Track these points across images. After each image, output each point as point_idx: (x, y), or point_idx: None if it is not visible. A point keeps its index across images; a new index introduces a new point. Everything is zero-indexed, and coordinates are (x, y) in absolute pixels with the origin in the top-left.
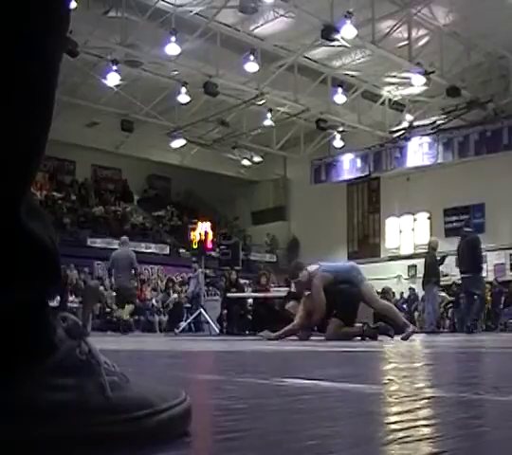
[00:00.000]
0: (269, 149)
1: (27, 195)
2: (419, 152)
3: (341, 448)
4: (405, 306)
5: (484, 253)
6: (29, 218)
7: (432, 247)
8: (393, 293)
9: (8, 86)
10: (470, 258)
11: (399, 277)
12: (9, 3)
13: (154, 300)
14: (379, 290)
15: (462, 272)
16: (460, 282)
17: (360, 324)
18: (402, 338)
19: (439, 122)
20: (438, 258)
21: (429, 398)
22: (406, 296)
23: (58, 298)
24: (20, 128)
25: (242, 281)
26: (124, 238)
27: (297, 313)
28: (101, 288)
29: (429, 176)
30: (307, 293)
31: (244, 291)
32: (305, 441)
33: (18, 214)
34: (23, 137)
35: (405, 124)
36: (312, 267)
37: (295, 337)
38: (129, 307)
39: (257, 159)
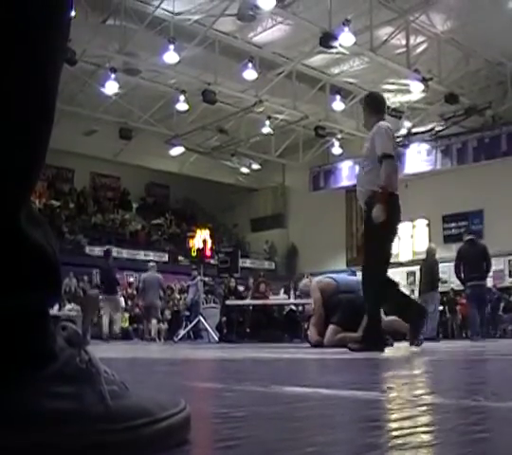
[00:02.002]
0: (268, 156)
1: (27, 204)
2: (417, 158)
3: None
4: None
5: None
6: (30, 226)
7: (433, 254)
8: None
9: (8, 95)
10: (485, 265)
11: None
12: (9, 10)
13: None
14: None
15: (475, 279)
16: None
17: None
18: (416, 345)
19: (437, 129)
20: None
21: (428, 405)
22: None
23: (57, 306)
24: (20, 137)
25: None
26: (152, 264)
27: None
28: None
29: (427, 183)
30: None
31: (242, 298)
32: (305, 448)
33: (18, 222)
34: (23, 146)
35: (403, 131)
36: (316, 278)
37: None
38: (154, 322)
39: (255, 167)
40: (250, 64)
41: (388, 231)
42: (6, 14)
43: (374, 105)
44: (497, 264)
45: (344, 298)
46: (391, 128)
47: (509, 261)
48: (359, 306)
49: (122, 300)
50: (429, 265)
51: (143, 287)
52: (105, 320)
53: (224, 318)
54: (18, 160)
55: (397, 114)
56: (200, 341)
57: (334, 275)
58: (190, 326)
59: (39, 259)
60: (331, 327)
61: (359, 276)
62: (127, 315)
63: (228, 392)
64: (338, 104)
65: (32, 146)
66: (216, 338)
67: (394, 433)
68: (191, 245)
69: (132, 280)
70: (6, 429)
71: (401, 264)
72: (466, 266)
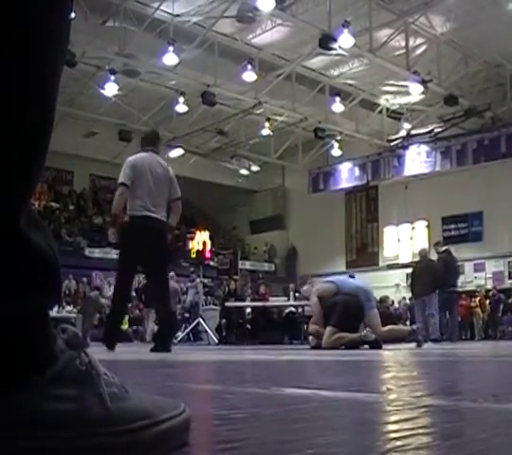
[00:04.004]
0: (267, 158)
1: (27, 205)
2: (417, 160)
3: None
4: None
5: (483, 261)
6: (29, 228)
7: (425, 255)
8: (393, 301)
9: (8, 96)
10: (457, 273)
11: (398, 285)
12: (10, 10)
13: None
14: (377, 298)
15: (453, 286)
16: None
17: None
18: (418, 346)
19: (437, 131)
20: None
21: (427, 407)
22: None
23: (56, 308)
24: (21, 138)
25: None
26: (171, 274)
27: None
28: (103, 301)
29: (427, 185)
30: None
31: (242, 300)
32: (305, 450)
33: (19, 224)
34: (24, 147)
35: (403, 133)
36: (319, 282)
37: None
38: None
39: (255, 168)
40: (250, 66)
41: (121, 251)
42: (7, 15)
43: (142, 141)
44: (496, 266)
45: (340, 299)
46: (137, 158)
47: (509, 262)
48: (355, 307)
49: None
50: (427, 267)
51: None
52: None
53: (223, 320)
54: (19, 161)
55: (397, 115)
56: (200, 343)
57: (334, 278)
58: (189, 328)
59: (39, 261)
60: (328, 329)
61: (358, 280)
62: (127, 317)
63: (228, 394)
64: (337, 106)
65: (33, 147)
66: (216, 340)
67: (394, 435)
68: (190, 247)
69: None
70: (6, 432)
71: (400, 266)
72: (446, 273)
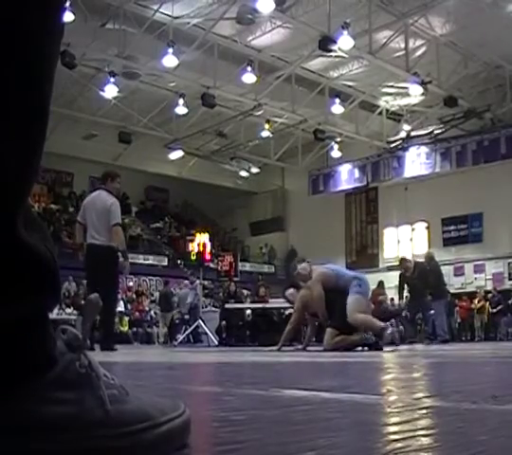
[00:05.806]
0: (267, 160)
1: (24, 208)
2: (417, 161)
3: None
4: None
5: (483, 262)
6: (28, 230)
7: (432, 257)
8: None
9: (6, 97)
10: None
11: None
12: (7, 12)
13: (152, 312)
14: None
15: (447, 290)
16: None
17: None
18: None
19: (436, 132)
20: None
21: (427, 408)
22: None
23: (55, 310)
24: (18, 139)
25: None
26: (186, 282)
27: (295, 304)
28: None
29: (426, 186)
30: (305, 285)
31: (242, 302)
32: (304, 452)
33: (16, 227)
34: (21, 149)
35: (402, 134)
36: (316, 267)
37: (291, 348)
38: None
39: (255, 170)
40: (249, 68)
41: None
42: (6, 14)
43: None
44: (496, 267)
45: (340, 300)
46: (88, 198)
47: (509, 263)
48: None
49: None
50: (434, 270)
51: (178, 301)
52: (162, 330)
53: (223, 322)
54: (15, 161)
55: (396, 117)
56: (199, 345)
57: (333, 267)
58: (189, 330)
59: (37, 264)
60: (329, 330)
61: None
62: (127, 318)
63: (228, 396)
64: (337, 108)
65: (30, 148)
66: (216, 342)
67: (394, 436)
68: (190, 249)
69: (131, 284)
70: (5, 436)
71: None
72: (440, 279)
